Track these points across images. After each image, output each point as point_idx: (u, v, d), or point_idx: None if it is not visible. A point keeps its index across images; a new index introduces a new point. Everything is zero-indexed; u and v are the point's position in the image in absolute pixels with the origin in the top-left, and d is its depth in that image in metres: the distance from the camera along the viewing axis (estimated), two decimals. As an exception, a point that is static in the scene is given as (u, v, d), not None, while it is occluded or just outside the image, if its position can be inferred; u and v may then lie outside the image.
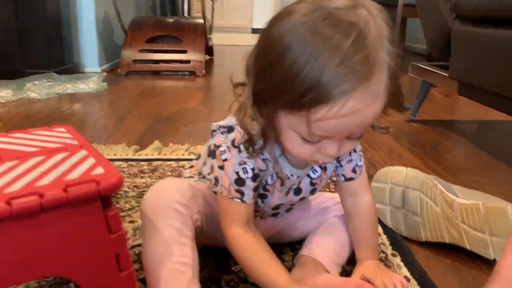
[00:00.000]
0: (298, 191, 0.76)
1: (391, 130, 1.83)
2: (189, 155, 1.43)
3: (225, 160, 0.67)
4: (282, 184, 0.72)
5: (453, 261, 0.88)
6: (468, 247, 0.87)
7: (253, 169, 0.67)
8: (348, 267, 0.82)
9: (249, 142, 0.64)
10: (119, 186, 0.48)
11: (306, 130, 0.54)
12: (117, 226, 0.50)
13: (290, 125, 0.57)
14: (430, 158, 1.49)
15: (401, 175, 1.00)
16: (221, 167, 0.68)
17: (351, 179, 0.77)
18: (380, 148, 1.57)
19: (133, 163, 1.36)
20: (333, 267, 0.77)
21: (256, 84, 0.58)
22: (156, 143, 1.51)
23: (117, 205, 1.07)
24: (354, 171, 0.77)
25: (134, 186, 1.18)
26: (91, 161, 0.54)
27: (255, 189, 0.70)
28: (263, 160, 0.68)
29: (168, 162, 1.37)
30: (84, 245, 0.49)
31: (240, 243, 0.68)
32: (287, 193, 0.75)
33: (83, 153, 0.57)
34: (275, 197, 0.74)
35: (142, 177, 1.25)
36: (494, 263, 0.83)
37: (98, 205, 0.48)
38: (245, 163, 0.67)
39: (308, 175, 0.75)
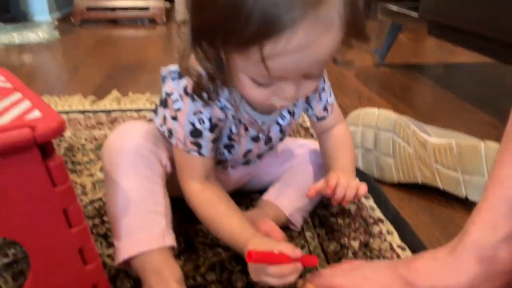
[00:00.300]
0: (268, 140, 0.71)
1: (358, 73, 1.79)
2: (150, 104, 1.34)
3: (178, 110, 0.60)
4: (246, 129, 0.67)
5: (425, 201, 0.87)
6: (441, 186, 0.86)
7: (210, 119, 0.60)
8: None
9: (198, 88, 0.57)
10: (59, 131, 0.41)
11: (255, 71, 0.48)
12: (62, 178, 0.44)
13: (238, 67, 0.51)
14: (399, 101, 1.47)
15: (373, 116, 0.96)
16: (174, 118, 0.61)
17: (323, 118, 0.74)
18: (350, 93, 1.53)
19: (90, 114, 1.26)
20: (295, 213, 0.74)
21: (194, 17, 0.49)
22: (115, 93, 1.41)
23: (74, 158, 0.99)
24: (325, 109, 0.73)
25: (93, 139, 1.10)
26: (26, 104, 0.46)
27: (215, 141, 0.63)
28: (221, 108, 0.61)
29: (128, 113, 1.28)
30: (23, 201, 0.42)
31: (198, 199, 0.63)
32: (255, 140, 0.70)
33: (17, 95, 0.49)
34: (243, 145, 0.69)
35: (100, 129, 1.16)
36: (466, 202, 0.83)
37: (36, 154, 0.41)
38: (200, 112, 0.59)
39: (277, 122, 0.69)
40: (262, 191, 0.79)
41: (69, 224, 0.46)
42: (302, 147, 0.83)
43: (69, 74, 1.69)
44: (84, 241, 0.47)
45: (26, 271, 0.62)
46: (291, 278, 0.54)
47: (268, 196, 0.77)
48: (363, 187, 0.65)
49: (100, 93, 1.43)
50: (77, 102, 1.35)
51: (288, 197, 0.75)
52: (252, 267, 0.56)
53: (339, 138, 0.76)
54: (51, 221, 0.44)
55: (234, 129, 0.65)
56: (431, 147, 0.86)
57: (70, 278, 0.48)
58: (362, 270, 0.57)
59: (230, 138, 0.67)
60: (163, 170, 0.65)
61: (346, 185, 0.65)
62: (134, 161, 0.61)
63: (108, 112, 1.28)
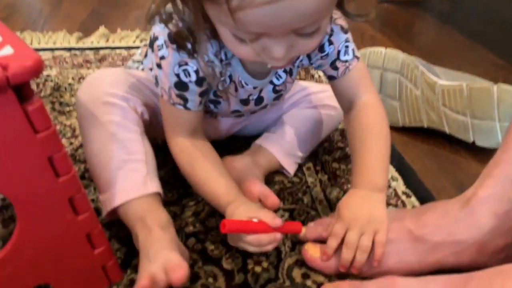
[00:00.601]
0: (259, 100, 0.65)
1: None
2: (140, 42, 1.26)
3: (162, 58, 0.54)
4: (236, 90, 0.61)
5: (430, 146, 0.84)
6: (447, 131, 0.82)
7: (196, 72, 0.54)
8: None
9: (180, 38, 0.51)
10: (35, 71, 0.36)
11: (230, 24, 0.41)
12: (44, 123, 0.39)
13: (213, 18, 0.45)
14: (403, 40, 1.40)
15: (379, 56, 0.90)
16: (159, 66, 0.55)
17: (332, 77, 0.63)
18: (351, 31, 1.45)
19: (77, 52, 1.18)
20: (285, 158, 0.71)
21: None
22: (102, 29, 1.31)
23: (62, 99, 0.93)
24: (335, 68, 0.62)
25: (80, 78, 1.03)
26: (-4, 38, 0.40)
27: (203, 94, 0.58)
28: (208, 63, 0.54)
29: (118, 51, 1.20)
30: (2, 149, 0.38)
31: (183, 155, 0.59)
32: (245, 104, 0.65)
33: (-15, 29, 0.42)
34: (231, 105, 0.64)
35: (88, 68, 1.09)
36: (473, 147, 0.80)
37: (11, 97, 0.36)
38: (186, 64, 0.53)
39: (271, 82, 0.63)
40: (258, 136, 0.75)
41: (56, 173, 0.42)
42: (302, 91, 0.78)
43: (51, 7, 1.57)
44: (73, 191, 0.44)
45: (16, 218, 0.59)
46: (269, 247, 0.52)
47: (260, 140, 0.73)
48: (380, 246, 0.51)
49: (86, 30, 1.33)
50: (62, 39, 1.26)
51: (281, 142, 0.72)
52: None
53: (365, 120, 0.61)
54: (36, 170, 0.40)
55: (220, 86, 0.59)
56: (440, 89, 0.82)
57: (61, 229, 0.45)
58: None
59: (216, 95, 0.62)
60: (138, 117, 0.60)
61: (355, 244, 0.51)
62: (104, 111, 0.57)
63: (96, 49, 1.20)
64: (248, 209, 0.52)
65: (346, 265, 0.52)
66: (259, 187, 0.63)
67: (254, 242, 0.51)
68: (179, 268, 0.45)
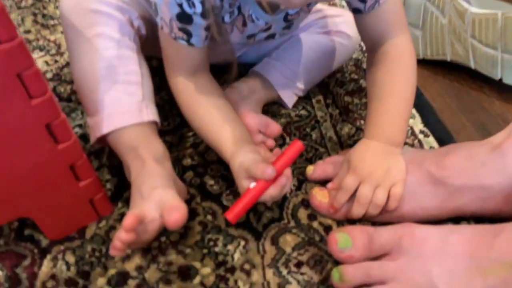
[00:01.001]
0: (267, 30, 0.56)
1: None
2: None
3: None
4: (244, 25, 0.52)
5: (451, 81, 0.77)
6: (473, 66, 0.74)
7: (202, 2, 0.45)
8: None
9: None
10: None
11: None
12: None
13: None
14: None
15: (404, -23, 0.79)
16: None
17: (358, 11, 0.52)
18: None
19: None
20: (284, 88, 0.64)
21: None
22: None
23: (45, 11, 0.83)
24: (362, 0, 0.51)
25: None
26: None
27: (208, 28, 0.49)
28: None
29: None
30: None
31: (183, 96, 0.52)
32: (251, 37, 0.56)
33: None
34: (233, 37, 0.55)
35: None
36: (499, 85, 0.73)
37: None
38: None
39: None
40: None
41: (30, 95, 0.35)
42: (316, 13, 0.68)
43: None
44: (50, 116, 0.37)
45: None
46: (286, 190, 0.46)
47: (258, 67, 0.65)
48: (396, 200, 0.46)
49: None
50: None
51: (282, 69, 0.64)
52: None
53: (391, 66, 0.52)
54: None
55: (226, 19, 0.50)
56: (471, 18, 0.73)
57: (40, 159, 0.39)
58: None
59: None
60: (134, 32, 0.52)
61: (368, 200, 0.46)
62: (93, 22, 0.49)
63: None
64: (239, 175, 0.46)
65: (355, 216, 0.48)
66: (256, 119, 0.56)
67: (267, 200, 0.45)
68: (176, 211, 0.40)
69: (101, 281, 0.42)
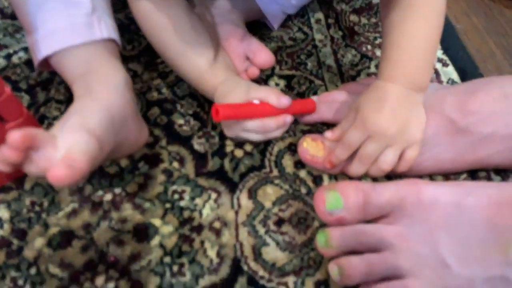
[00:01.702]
0: None
1: None
2: None
3: None
4: None
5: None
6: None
7: None
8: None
9: None
10: None
11: None
12: None
13: None
14: None
15: None
16: None
17: None
18: None
19: None
20: (270, 3, 0.51)
21: None
22: None
23: None
24: None
25: None
26: None
27: None
28: None
29: None
30: None
31: (151, 24, 0.41)
32: None
33: None
34: None
35: None
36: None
37: None
38: None
39: None
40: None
41: None
42: None
43: None
44: None
45: None
46: (278, 133, 0.41)
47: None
48: (407, 165, 0.38)
49: None
50: None
51: None
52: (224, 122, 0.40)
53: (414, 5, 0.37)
54: None
55: None
56: None
57: None
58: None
59: None
60: None
61: (372, 159, 0.38)
62: None
63: None
64: (245, 89, 0.39)
65: (354, 176, 0.40)
66: (243, 42, 0.45)
67: (259, 128, 0.39)
68: (66, 165, 0.28)
69: (40, 241, 0.35)
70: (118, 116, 0.35)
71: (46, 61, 0.40)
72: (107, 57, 0.40)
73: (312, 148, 0.40)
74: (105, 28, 0.40)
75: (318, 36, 0.54)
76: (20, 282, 0.34)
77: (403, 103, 0.37)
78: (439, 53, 0.53)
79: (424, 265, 0.32)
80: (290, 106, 0.39)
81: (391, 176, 0.40)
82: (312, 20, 0.56)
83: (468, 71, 0.52)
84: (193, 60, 0.42)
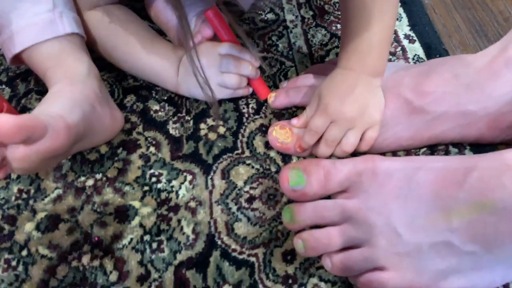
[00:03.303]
0: None
1: None
2: None
3: None
4: None
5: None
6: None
7: None
8: None
9: None
10: None
11: None
12: None
13: None
14: None
15: None
16: None
17: None
18: None
19: None
20: None
21: None
22: None
23: None
24: None
25: None
26: None
27: None
28: None
29: None
30: None
31: (99, 32, 0.45)
32: None
33: None
34: None
35: None
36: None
37: None
38: None
39: None
40: None
41: None
42: None
43: None
44: None
45: None
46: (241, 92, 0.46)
47: None
48: (368, 144, 0.41)
49: None
50: None
51: None
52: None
53: None
54: None
55: None
56: None
57: None
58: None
59: None
60: None
61: (337, 142, 0.41)
62: None
63: None
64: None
65: (322, 157, 0.42)
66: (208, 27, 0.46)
67: (235, 80, 0.44)
68: (25, 146, 0.30)
69: (29, 226, 0.39)
70: (84, 103, 0.38)
71: (18, 57, 0.42)
72: (71, 50, 0.42)
73: (281, 136, 0.43)
74: (68, 23, 0.42)
75: (289, 17, 0.56)
76: (14, 263, 0.37)
77: (361, 88, 0.40)
78: (407, 30, 0.55)
79: (379, 234, 0.35)
80: (254, 80, 0.45)
81: (356, 154, 0.43)
82: (284, 0, 0.58)
83: (433, 46, 0.54)
84: (150, 57, 0.44)
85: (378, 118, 0.40)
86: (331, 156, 0.43)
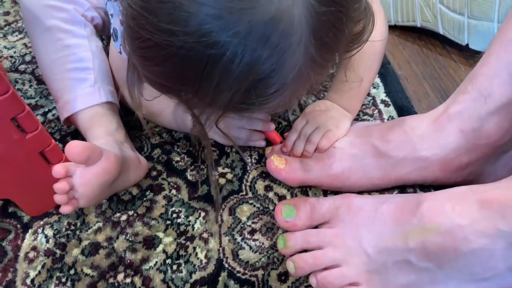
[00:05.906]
0: None
1: None
2: None
3: None
4: None
5: (420, 47, 0.78)
6: (441, 31, 0.75)
7: None
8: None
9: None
10: None
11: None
12: None
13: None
14: None
15: None
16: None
17: None
18: None
19: None
20: None
21: None
22: None
23: None
24: None
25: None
26: None
27: None
28: None
29: None
30: None
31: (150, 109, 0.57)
32: None
33: None
34: None
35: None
36: (466, 50, 0.74)
37: None
38: None
39: None
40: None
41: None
42: None
43: None
44: (16, 110, 0.41)
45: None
46: (258, 143, 0.58)
47: None
48: (327, 141, 0.53)
49: None
50: None
51: None
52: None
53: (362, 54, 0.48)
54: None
55: None
56: (439, -18, 0.73)
57: (10, 149, 0.44)
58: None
59: None
60: (86, 20, 0.56)
61: (307, 136, 0.55)
62: (47, 15, 0.53)
63: None
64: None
65: (297, 155, 0.55)
66: None
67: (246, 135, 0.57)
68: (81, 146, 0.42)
69: (76, 251, 0.48)
70: (117, 146, 0.50)
71: (69, 119, 0.54)
72: (106, 113, 0.54)
73: (276, 161, 0.54)
74: (104, 94, 0.54)
75: (285, 87, 0.68)
76: (63, 279, 0.46)
77: (333, 110, 0.55)
78: (383, 96, 0.67)
79: (353, 255, 0.44)
80: (271, 132, 0.57)
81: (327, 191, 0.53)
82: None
83: (405, 109, 0.65)
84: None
85: (339, 129, 0.54)
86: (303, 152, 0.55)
